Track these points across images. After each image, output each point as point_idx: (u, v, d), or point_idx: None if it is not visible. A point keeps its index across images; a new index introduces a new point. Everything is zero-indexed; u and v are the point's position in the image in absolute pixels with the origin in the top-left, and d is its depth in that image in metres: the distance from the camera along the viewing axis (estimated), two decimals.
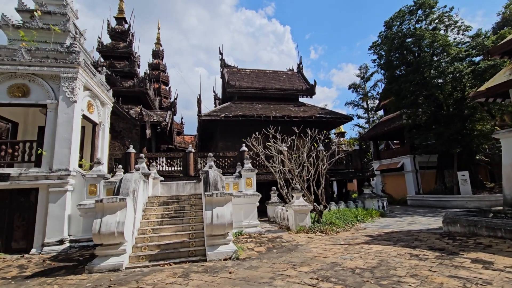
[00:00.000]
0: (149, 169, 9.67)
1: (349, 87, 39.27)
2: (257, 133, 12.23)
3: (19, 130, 10.37)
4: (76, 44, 9.23)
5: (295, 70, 22.38)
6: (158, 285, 4.57)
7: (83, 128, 11.17)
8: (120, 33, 19.23)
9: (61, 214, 7.91)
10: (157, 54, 39.03)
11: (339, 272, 4.76)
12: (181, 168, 14.38)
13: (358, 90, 38.82)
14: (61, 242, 7.73)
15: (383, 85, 30.15)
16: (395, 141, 28.46)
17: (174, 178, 13.44)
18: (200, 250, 6.50)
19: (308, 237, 8.37)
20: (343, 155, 11.73)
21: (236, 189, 9.62)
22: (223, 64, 20.44)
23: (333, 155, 11.39)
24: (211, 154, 10.23)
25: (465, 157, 16.51)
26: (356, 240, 7.69)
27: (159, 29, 40.97)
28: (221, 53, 20.60)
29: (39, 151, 8.19)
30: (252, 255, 6.46)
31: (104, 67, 12.09)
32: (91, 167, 9.03)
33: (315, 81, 19.25)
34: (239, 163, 12.27)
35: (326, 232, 8.98)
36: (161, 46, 40.44)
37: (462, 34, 17.17)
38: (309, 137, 10.91)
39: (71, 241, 7.93)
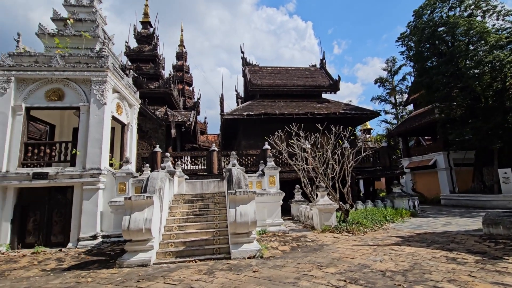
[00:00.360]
0: (174, 168, 9.91)
1: (375, 82, 37.71)
2: (279, 131, 12.13)
3: (56, 131, 11.09)
4: (105, 49, 9.66)
5: (318, 66, 21.88)
6: (184, 281, 4.63)
7: (112, 129, 11.67)
8: (146, 37, 19.92)
9: (94, 211, 8.34)
10: (181, 55, 40.00)
11: (368, 275, 4.55)
12: (205, 167, 14.62)
13: (385, 84, 37.18)
14: (94, 237, 8.15)
15: (412, 78, 28.67)
16: (426, 137, 26.93)
17: (198, 176, 13.70)
18: (224, 248, 6.53)
19: (334, 237, 8.13)
20: (370, 152, 11.25)
21: (259, 187, 9.58)
22: (245, 63, 20.48)
23: (360, 152, 10.98)
24: (234, 152, 10.27)
25: (506, 153, 15.19)
26: (386, 241, 7.34)
27: (182, 31, 41.95)
28: (242, 52, 20.66)
29: (73, 151, 8.68)
30: (276, 254, 6.38)
31: (131, 70, 12.57)
32: (120, 166, 9.43)
33: (339, 76, 18.68)
34: (261, 161, 12.24)
35: (353, 232, 8.67)
36: (184, 48, 41.38)
37: (503, 20, 15.76)
38: (334, 134, 10.59)
39: (103, 237, 8.33)
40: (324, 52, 21.45)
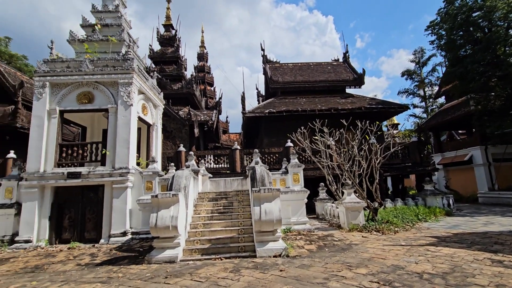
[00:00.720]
0: (198, 167, 10.02)
1: (402, 75, 35.90)
2: (302, 128, 11.90)
3: (87, 133, 11.64)
4: (130, 51, 9.97)
5: (341, 60, 21.22)
6: (211, 278, 4.62)
7: (139, 129, 12.04)
8: (168, 39, 20.40)
9: (123, 208, 8.64)
10: (202, 56, 40.68)
11: (403, 277, 4.27)
12: (227, 165, 14.71)
13: (413, 77, 35.31)
14: (124, 234, 8.45)
15: (443, 69, 26.94)
16: (460, 131, 25.25)
17: (221, 174, 13.81)
18: (249, 246, 6.47)
19: (362, 236, 7.80)
20: (399, 148, 10.65)
21: (283, 185, 9.43)
22: (265, 60, 20.34)
23: (388, 148, 10.47)
24: (256, 150, 10.20)
25: None
26: (420, 241, 6.91)
27: (202, 32, 42.61)
28: (262, 49, 20.53)
29: (103, 152, 9.05)
30: (302, 253, 6.22)
31: (155, 72, 12.91)
32: (147, 165, 9.69)
33: (363, 69, 17.97)
34: (284, 158, 12.06)
35: (382, 231, 8.27)
36: (205, 49, 42.00)
37: None
38: (359, 129, 10.18)
39: (132, 233, 8.61)
40: (347, 45, 20.71)
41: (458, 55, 15.59)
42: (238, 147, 14.63)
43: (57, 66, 9.49)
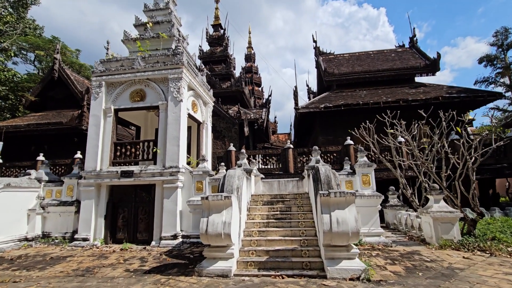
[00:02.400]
0: (250, 166, 9.14)
1: (480, 61, 30.75)
2: (363, 123, 10.27)
3: (141, 133, 11.70)
4: (180, 46, 9.59)
5: (407, 45, 18.54)
6: None
7: (189, 128, 11.74)
8: (217, 39, 20.27)
9: (173, 210, 8.15)
10: (249, 57, 40.60)
11: None
12: (279, 166, 13.63)
13: (495, 62, 29.93)
14: (174, 237, 7.94)
15: None
16: None
17: (273, 176, 12.80)
18: (316, 262, 5.27)
19: (463, 257, 5.96)
20: (501, 144, 8.26)
21: (349, 188, 7.98)
22: (318, 52, 18.79)
23: (488, 144, 8.25)
24: (316, 147, 8.92)
25: None
26: None
27: (250, 33, 42.60)
28: (315, 41, 19.02)
29: (154, 150, 8.74)
30: (387, 276, 4.78)
31: (204, 69, 12.52)
32: (197, 165, 9.15)
33: (438, 53, 15.17)
34: (346, 158, 10.51)
35: (490, 251, 6.28)
36: (253, 49, 41.88)
37: None
38: (444, 121, 8.19)
39: (183, 237, 8.07)
40: (414, 28, 17.76)
41: None
42: (291, 146, 13.46)
43: (112, 66, 9.55)
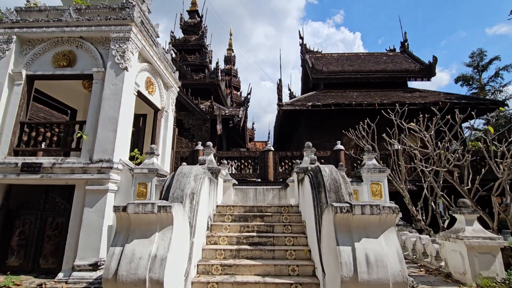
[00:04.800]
0: (219, 165, 6.68)
1: (457, 80, 31.18)
2: (356, 126, 8.59)
3: (78, 117, 8.85)
4: (132, 1, 7.09)
5: (398, 50, 17.40)
6: None
7: (143, 116, 9.16)
8: (193, 26, 17.91)
9: (98, 225, 5.43)
10: (229, 59, 38.68)
11: None
12: (257, 171, 11.30)
13: (470, 82, 30.51)
14: (94, 267, 5.18)
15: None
16: None
17: (248, 183, 10.44)
18: None
19: None
20: None
21: (354, 199, 5.79)
22: (304, 50, 17.04)
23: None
24: (309, 143, 6.71)
25: None
26: None
27: (231, 35, 40.92)
28: (301, 38, 17.30)
29: (77, 135, 6.03)
30: None
31: (171, 52, 10.04)
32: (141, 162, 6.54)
33: (434, 57, 13.99)
34: (340, 163, 8.44)
35: None
36: (233, 52, 40.07)
37: None
38: (457, 125, 6.45)
39: None
40: (405, 33, 16.65)
41: None
42: (272, 148, 11.22)
43: (32, 16, 6.80)
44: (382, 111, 8.93)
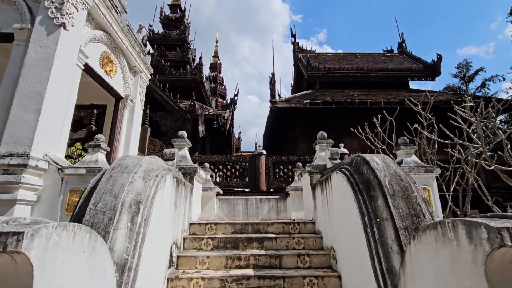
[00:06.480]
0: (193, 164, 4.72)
1: (443, 90, 31.17)
2: (358, 127, 7.29)
3: None
4: None
5: (396, 51, 16.38)
6: None
7: (103, 107, 7.23)
8: (174, 21, 16.23)
9: None
10: (215, 66, 37.35)
11: None
12: (246, 180, 9.42)
13: (457, 93, 30.56)
14: None
15: (498, 84, 21.94)
16: None
17: (235, 193, 8.53)
18: None
19: None
20: None
21: None
22: (297, 49, 15.68)
23: None
24: (324, 133, 4.96)
25: None
26: None
27: (217, 42, 39.67)
28: (293, 35, 15.99)
29: None
30: None
31: (143, 28, 8.22)
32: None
33: (439, 55, 12.95)
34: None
35: None
36: (219, 59, 38.84)
37: None
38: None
39: None
40: (402, 33, 15.74)
41: None
42: (264, 152, 9.42)
43: None
44: (384, 111, 7.81)
